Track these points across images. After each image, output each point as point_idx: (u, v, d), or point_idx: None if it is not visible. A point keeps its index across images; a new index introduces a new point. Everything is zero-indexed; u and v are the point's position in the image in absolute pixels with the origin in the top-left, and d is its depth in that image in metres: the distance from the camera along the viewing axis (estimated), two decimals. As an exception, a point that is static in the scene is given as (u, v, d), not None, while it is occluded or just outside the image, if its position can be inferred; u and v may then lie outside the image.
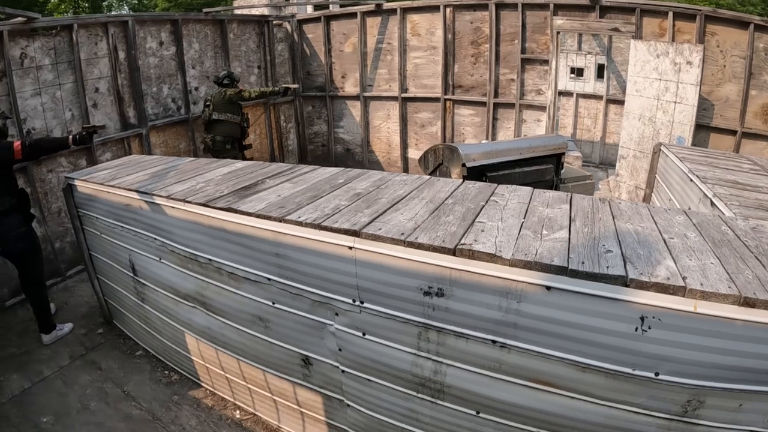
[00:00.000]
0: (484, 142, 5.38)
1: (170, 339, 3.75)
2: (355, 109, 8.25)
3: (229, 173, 3.61)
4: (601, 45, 8.78)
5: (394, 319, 2.30)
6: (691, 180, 3.79)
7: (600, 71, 8.57)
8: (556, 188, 5.07)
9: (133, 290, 3.87)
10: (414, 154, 8.10)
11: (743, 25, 6.14)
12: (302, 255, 2.52)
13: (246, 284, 2.87)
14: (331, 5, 9.94)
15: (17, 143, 3.92)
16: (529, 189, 2.88)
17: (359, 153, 8.46)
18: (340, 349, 2.61)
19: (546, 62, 7.02)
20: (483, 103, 7.45)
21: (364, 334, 2.45)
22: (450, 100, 7.62)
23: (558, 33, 6.87)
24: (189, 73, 6.59)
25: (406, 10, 7.49)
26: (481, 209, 2.54)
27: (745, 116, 6.29)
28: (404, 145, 8.13)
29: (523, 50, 7.08)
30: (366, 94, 8.05)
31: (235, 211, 2.74)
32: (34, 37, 5.01)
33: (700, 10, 6.27)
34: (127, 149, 5.94)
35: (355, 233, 2.29)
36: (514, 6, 6.94)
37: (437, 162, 4.67)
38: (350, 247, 2.30)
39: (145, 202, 3.29)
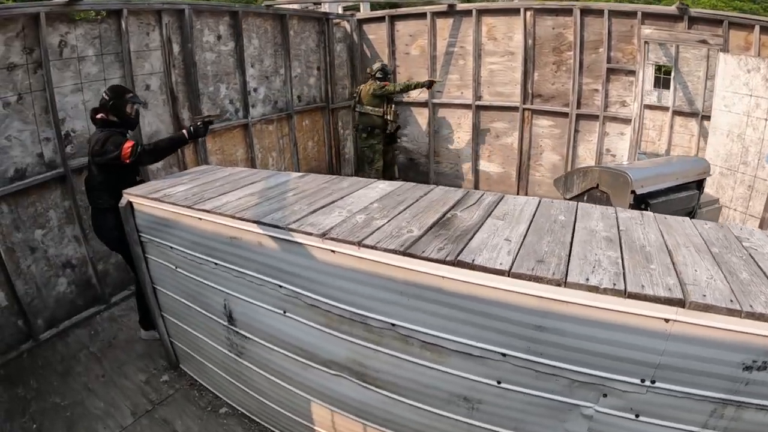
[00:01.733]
0: (625, 163, 4.33)
1: (282, 404, 2.71)
2: (421, 116, 7.04)
3: (385, 197, 2.58)
4: (667, 54, 7.78)
5: (689, 397, 1.65)
6: None
7: (666, 82, 7.63)
8: (695, 215, 4.03)
9: (223, 340, 2.83)
10: (486, 166, 6.91)
11: None
12: (584, 329, 1.70)
13: (454, 359, 1.95)
14: (362, 5, 8.92)
15: (127, 146, 3.18)
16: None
17: (424, 164, 7.24)
18: (591, 435, 1.72)
19: (631, 72, 5.88)
20: (564, 114, 6.23)
21: (637, 416, 1.74)
22: (529, 109, 6.40)
23: (646, 43, 5.80)
24: (248, 72, 5.43)
25: (481, 12, 6.27)
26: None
27: None
28: (476, 157, 6.89)
29: (608, 59, 5.90)
30: (435, 100, 6.83)
31: (467, 266, 1.80)
32: (76, 23, 3.87)
33: None
34: (180, 157, 4.81)
35: (679, 303, 1.56)
36: (600, 12, 5.80)
37: (588, 186, 3.61)
38: (667, 320, 1.59)
39: (271, 237, 2.27)
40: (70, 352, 3.58)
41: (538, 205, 2.48)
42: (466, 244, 1.97)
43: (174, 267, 2.90)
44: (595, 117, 6.15)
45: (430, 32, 6.51)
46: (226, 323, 2.73)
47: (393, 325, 2.06)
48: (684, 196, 3.90)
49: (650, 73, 6.71)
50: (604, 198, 3.53)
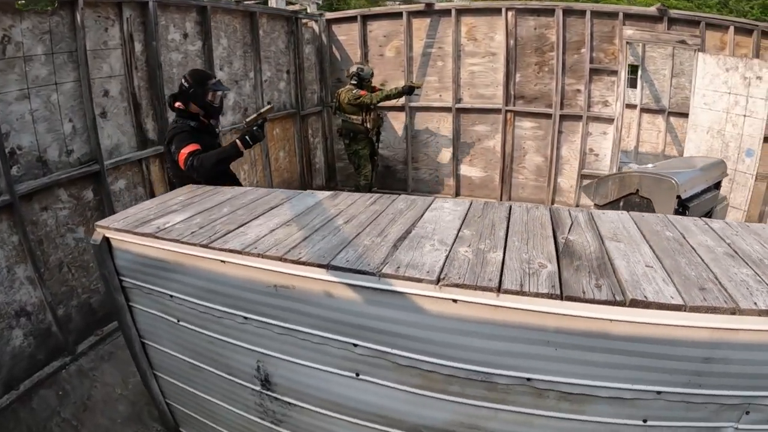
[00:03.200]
0: (651, 165, 4.14)
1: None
2: (397, 121, 6.63)
3: (467, 220, 2.18)
4: (634, 53, 7.99)
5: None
6: None
7: (632, 81, 7.79)
8: (712, 214, 3.93)
9: (251, 406, 2.24)
10: (467, 171, 6.61)
11: None
12: (753, 354, 1.52)
13: (600, 405, 1.64)
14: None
15: (184, 152, 2.88)
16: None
17: (402, 170, 6.81)
18: None
19: (613, 72, 5.81)
20: (547, 115, 6.06)
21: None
22: (511, 111, 6.16)
23: (628, 43, 5.82)
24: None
25: (461, 12, 5.97)
26: None
27: None
28: (456, 162, 6.56)
29: (591, 60, 5.80)
30: (412, 104, 6.44)
31: (641, 305, 1.49)
32: (22, 15, 3.15)
33: (757, 25, 5.71)
34: (146, 174, 4.10)
35: None
36: (582, 13, 5.70)
37: (626, 192, 3.35)
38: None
39: (349, 286, 1.75)
40: (37, 421, 2.82)
41: (637, 221, 2.20)
42: (617, 278, 1.63)
43: (175, 320, 2.27)
44: (578, 117, 6.02)
45: (406, 32, 6.12)
46: (258, 388, 2.15)
47: (528, 379, 1.66)
48: (710, 197, 3.76)
49: (622, 72, 6.81)
50: (644, 204, 3.31)
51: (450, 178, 6.69)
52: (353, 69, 5.67)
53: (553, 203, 6.46)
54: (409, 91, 5.68)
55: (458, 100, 6.28)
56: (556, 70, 5.87)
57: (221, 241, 2.00)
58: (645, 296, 1.50)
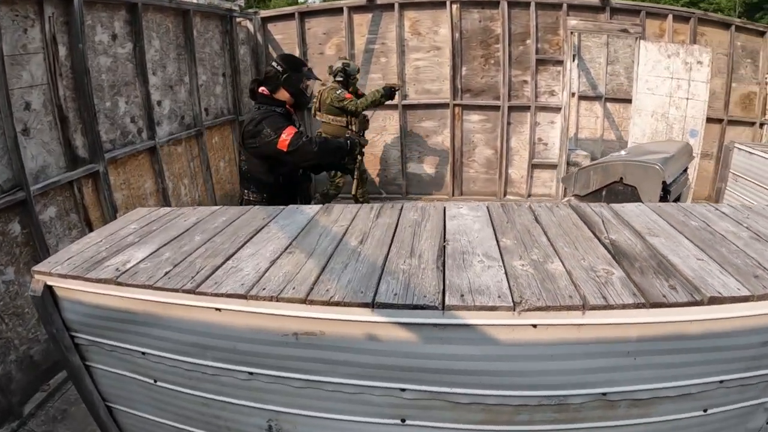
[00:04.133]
0: (624, 152, 4.17)
1: None
2: None
3: (483, 225, 1.97)
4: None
5: None
6: None
7: None
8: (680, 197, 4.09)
9: None
10: (416, 168, 6.48)
11: (726, 26, 6.34)
12: None
13: (666, 404, 1.58)
14: None
15: (288, 132, 2.64)
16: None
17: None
18: None
19: (558, 62, 5.99)
20: (495, 107, 6.08)
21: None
22: (459, 105, 6.11)
23: (572, 33, 6.00)
24: (150, 81, 4.28)
25: (404, 6, 5.81)
26: None
27: (728, 106, 6.42)
28: (405, 160, 6.40)
29: (537, 51, 5.93)
30: None
31: (717, 301, 1.43)
32: None
33: (693, 13, 6.27)
34: (79, 198, 3.56)
35: None
36: (527, 5, 5.81)
37: (608, 181, 3.33)
38: None
39: (401, 325, 1.44)
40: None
41: (659, 213, 2.14)
42: (683, 276, 1.56)
43: (151, 381, 1.84)
44: (526, 108, 6.11)
45: (347, 29, 5.87)
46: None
47: (604, 394, 1.53)
48: (683, 180, 3.90)
49: (568, 62, 7.04)
50: (629, 191, 3.33)
51: (399, 178, 6.53)
52: (338, 65, 5.16)
53: (505, 195, 6.53)
54: (391, 93, 5.16)
55: (404, 96, 6.12)
56: (503, 62, 5.91)
57: (211, 284, 1.59)
58: (719, 292, 1.46)
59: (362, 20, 5.90)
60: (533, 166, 6.40)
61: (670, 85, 5.83)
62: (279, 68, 2.81)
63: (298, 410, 1.66)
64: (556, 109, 6.11)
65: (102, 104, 3.82)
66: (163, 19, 4.42)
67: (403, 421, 1.59)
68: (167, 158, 4.58)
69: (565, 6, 5.78)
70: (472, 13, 5.82)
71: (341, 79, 5.15)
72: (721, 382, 1.57)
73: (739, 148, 4.55)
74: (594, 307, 1.42)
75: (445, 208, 2.23)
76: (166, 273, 1.69)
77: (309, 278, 1.58)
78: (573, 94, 7.41)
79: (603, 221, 2.05)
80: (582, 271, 1.59)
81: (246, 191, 2.89)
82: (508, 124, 6.16)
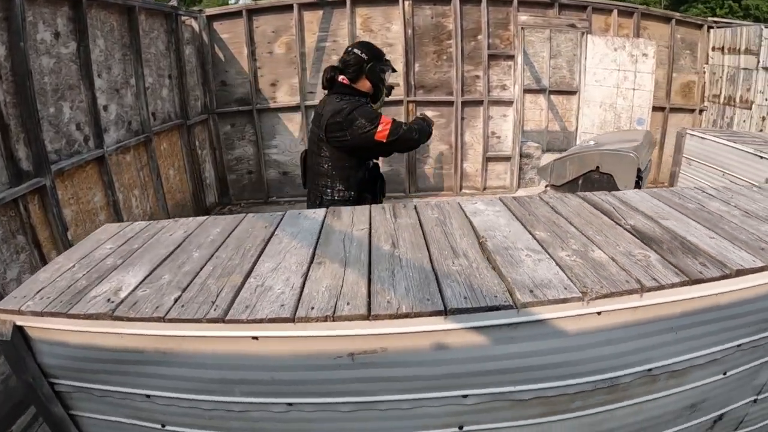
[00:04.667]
0: (592, 142, 4.28)
1: None
2: (292, 122, 6.13)
3: (518, 219, 1.93)
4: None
5: None
6: (762, 157, 4.01)
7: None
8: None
9: None
10: (370, 169, 6.46)
11: (667, 20, 6.85)
12: None
13: (696, 372, 1.68)
14: None
15: (387, 122, 2.52)
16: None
17: (301, 176, 6.38)
18: None
19: (510, 57, 6.16)
20: (449, 103, 6.14)
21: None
22: (413, 101, 6.11)
23: (522, 29, 6.18)
24: (96, 84, 3.94)
25: (355, 2, 5.70)
26: None
27: (670, 95, 6.94)
28: None
29: (488, 46, 6.06)
30: (308, 102, 5.97)
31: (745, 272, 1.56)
32: None
33: (637, 8, 6.77)
34: (25, 217, 3.18)
35: None
36: (478, 1, 5.92)
37: (585, 170, 3.43)
38: None
39: (475, 329, 1.37)
40: None
41: (658, 198, 2.27)
42: (707, 254, 1.69)
43: (158, 425, 1.62)
44: (479, 103, 6.22)
45: (297, 26, 5.69)
46: None
47: (649, 370, 1.57)
48: (648, 166, 4.14)
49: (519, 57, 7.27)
50: (605, 179, 3.46)
51: (356, 177, 6.46)
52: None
53: (461, 189, 6.63)
54: (389, 92, 5.04)
55: (360, 95, 6.04)
56: (455, 58, 5.99)
57: (242, 308, 1.39)
58: (741, 265, 1.58)
59: (313, 17, 5.75)
60: (488, 159, 6.53)
61: (617, 77, 6.17)
62: (364, 56, 2.62)
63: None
64: (509, 103, 6.27)
65: (45, 110, 3.45)
66: (108, 16, 4.07)
67: (461, 428, 1.53)
68: (116, 168, 4.21)
69: (515, 2, 5.96)
70: (424, 9, 5.84)
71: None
72: (739, 345, 1.69)
73: (691, 134, 4.77)
74: (649, 289, 1.46)
75: (460, 203, 2.19)
76: (177, 300, 1.46)
77: (359, 291, 1.45)
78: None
79: (614, 209, 2.10)
80: (623, 256, 1.63)
81: (330, 190, 2.70)
82: (462, 119, 6.23)
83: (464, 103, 6.18)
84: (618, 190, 3.39)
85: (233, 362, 1.44)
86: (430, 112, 6.21)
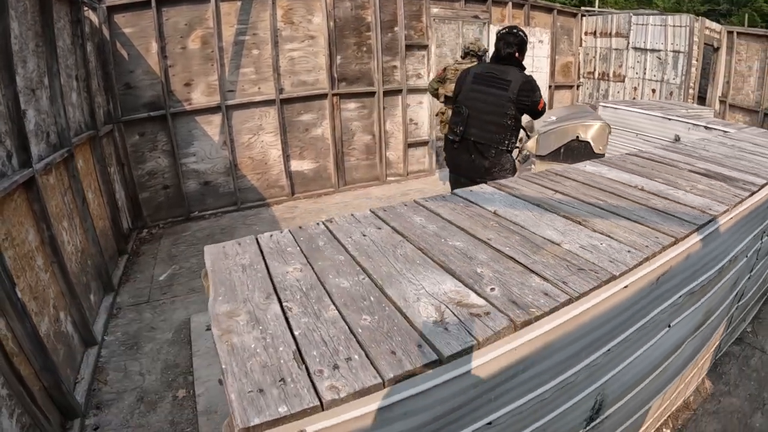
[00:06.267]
0: (553, 117, 4.51)
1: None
2: (211, 125, 5.49)
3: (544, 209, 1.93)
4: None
5: None
6: (670, 119, 4.84)
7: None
8: None
9: None
10: (299, 165, 6.05)
11: (549, 10, 7.96)
12: None
13: None
14: None
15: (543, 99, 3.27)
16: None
17: (225, 183, 5.70)
18: None
19: (423, 47, 6.40)
20: (371, 94, 6.13)
21: None
22: (337, 94, 5.92)
23: (434, 20, 6.45)
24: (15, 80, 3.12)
25: (275, -8, 5.31)
26: None
27: (554, 74, 7.90)
28: (286, 158, 5.91)
29: (405, 37, 6.19)
30: (229, 102, 5.44)
31: None
32: None
33: (527, 1, 7.64)
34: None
35: None
36: (393, -6, 6.00)
37: (566, 140, 3.85)
38: None
39: None
40: None
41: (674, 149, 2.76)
42: (738, 179, 2.32)
43: None
44: (398, 92, 6.31)
45: (213, 18, 5.12)
46: None
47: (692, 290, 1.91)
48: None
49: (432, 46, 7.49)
50: (583, 146, 3.85)
51: (282, 178, 6.06)
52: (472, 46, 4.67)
53: (386, 177, 6.66)
54: None
55: (280, 90, 5.68)
56: (375, 49, 5.98)
57: None
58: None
59: (230, 8, 5.24)
60: (409, 146, 6.68)
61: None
62: (524, 36, 3.25)
63: None
64: (424, 91, 6.45)
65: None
66: (20, -3, 3.26)
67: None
68: (46, 194, 3.32)
69: None
70: (344, 1, 5.72)
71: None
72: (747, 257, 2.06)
73: (604, 106, 5.37)
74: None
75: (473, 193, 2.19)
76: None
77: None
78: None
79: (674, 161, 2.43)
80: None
81: (507, 142, 3.22)
82: (383, 108, 6.28)
83: (385, 93, 6.22)
84: (595, 154, 3.77)
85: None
86: (353, 105, 6.15)
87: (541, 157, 3.80)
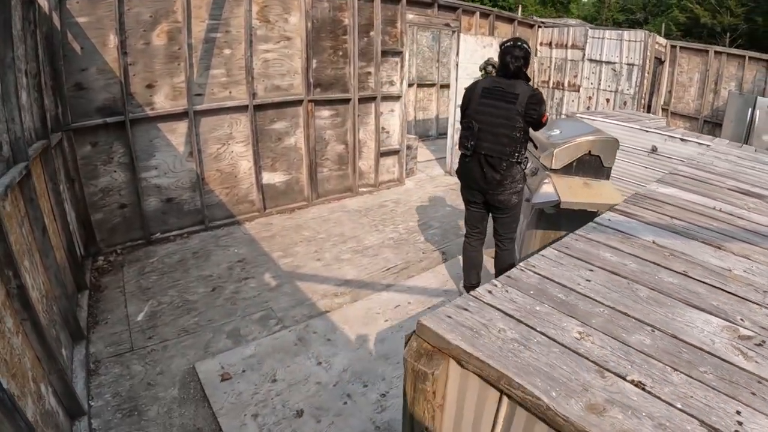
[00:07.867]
0: (558, 131, 4.40)
1: None
2: (175, 134, 4.71)
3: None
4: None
5: None
6: (647, 131, 5.28)
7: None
8: None
9: None
10: (271, 178, 5.43)
11: (511, 21, 8.16)
12: None
13: None
14: None
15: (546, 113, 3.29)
16: None
17: (190, 200, 4.93)
18: None
19: (398, 53, 6.13)
20: (345, 101, 5.71)
21: None
22: (312, 101, 5.41)
23: (409, 26, 6.21)
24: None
25: (250, -12, 4.66)
26: None
27: None
28: (258, 170, 5.28)
29: (381, 42, 5.87)
30: (197, 107, 4.70)
31: None
32: None
33: (492, 11, 7.86)
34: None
35: None
36: (371, -2, 5.67)
37: (578, 155, 3.81)
38: None
39: None
40: None
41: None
42: None
43: None
44: (372, 99, 5.97)
45: (183, 11, 4.40)
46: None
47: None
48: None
49: (406, 53, 7.23)
50: (593, 160, 3.81)
51: (253, 192, 5.42)
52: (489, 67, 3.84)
53: (358, 188, 6.26)
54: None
55: (254, 95, 5.07)
56: (352, 54, 5.57)
57: None
58: None
59: (201, 2, 4.53)
60: (382, 155, 6.35)
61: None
62: (529, 48, 3.20)
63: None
64: (396, 98, 6.19)
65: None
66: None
67: None
68: (5, 226, 2.56)
69: (404, 0, 5.96)
70: (322, 1, 5.24)
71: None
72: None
73: (581, 117, 5.55)
74: None
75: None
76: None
77: None
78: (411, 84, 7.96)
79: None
80: None
81: (517, 154, 3.23)
82: (357, 116, 5.89)
83: (359, 100, 5.85)
84: (604, 168, 3.80)
85: None
86: (327, 112, 5.70)
87: (555, 171, 3.76)
